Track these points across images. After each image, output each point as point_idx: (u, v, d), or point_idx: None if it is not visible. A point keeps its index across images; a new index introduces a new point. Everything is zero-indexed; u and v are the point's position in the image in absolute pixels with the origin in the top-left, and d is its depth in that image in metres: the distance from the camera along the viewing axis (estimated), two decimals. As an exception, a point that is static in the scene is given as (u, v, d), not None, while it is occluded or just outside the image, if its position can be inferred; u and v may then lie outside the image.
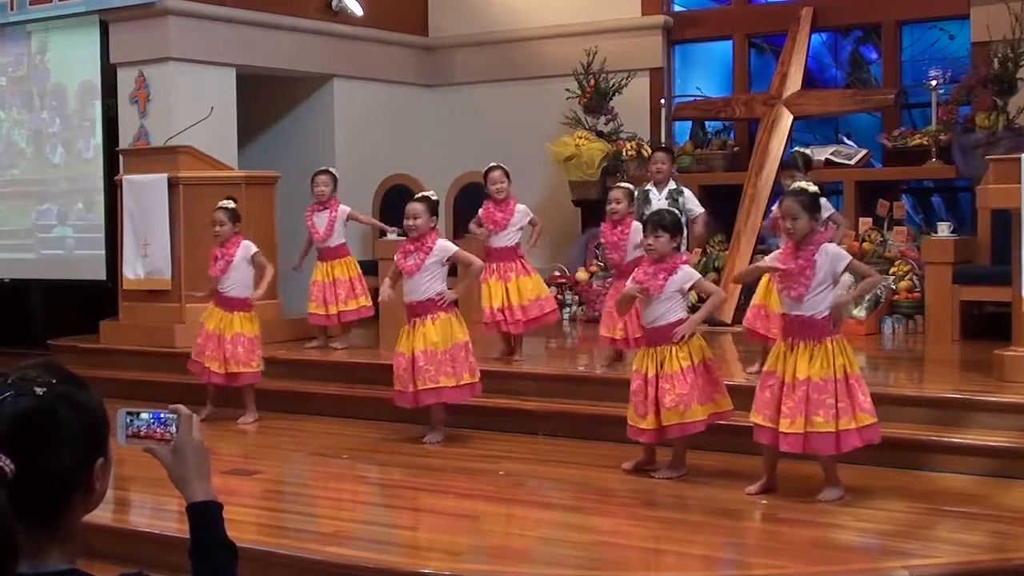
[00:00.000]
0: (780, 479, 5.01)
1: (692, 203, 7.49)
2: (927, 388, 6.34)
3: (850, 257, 4.98)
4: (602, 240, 6.85)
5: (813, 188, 4.93)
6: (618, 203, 6.76)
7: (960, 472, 5.26)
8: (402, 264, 6.16)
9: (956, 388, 6.03)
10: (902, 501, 4.86)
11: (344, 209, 8.08)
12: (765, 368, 4.98)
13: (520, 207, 7.47)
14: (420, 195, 6.31)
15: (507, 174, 7.51)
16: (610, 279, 7.08)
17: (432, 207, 6.20)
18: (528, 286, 7.29)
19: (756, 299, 6.57)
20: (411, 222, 6.13)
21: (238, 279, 6.89)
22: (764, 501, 4.89)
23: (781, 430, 4.78)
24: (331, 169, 8.24)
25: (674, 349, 5.17)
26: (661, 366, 5.17)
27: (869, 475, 5.22)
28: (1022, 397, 5.59)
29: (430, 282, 6.12)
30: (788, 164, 6.66)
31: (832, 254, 4.86)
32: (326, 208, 8.05)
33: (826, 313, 4.83)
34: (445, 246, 6.20)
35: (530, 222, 7.50)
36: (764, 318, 6.34)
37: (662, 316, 5.22)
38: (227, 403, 7.06)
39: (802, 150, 7.25)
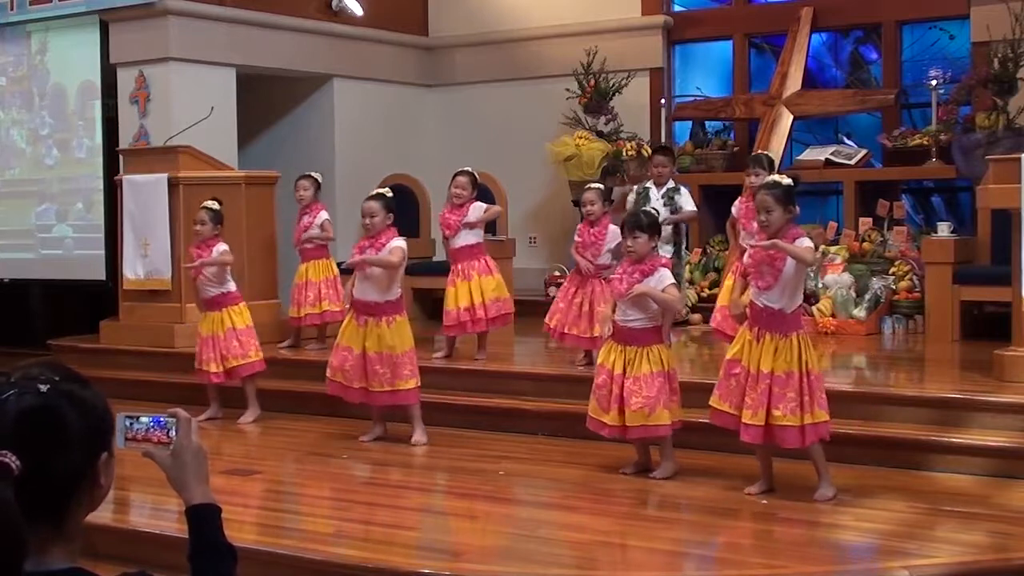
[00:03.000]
0: (779, 479, 5.01)
1: (685, 199, 7.53)
2: (927, 388, 6.34)
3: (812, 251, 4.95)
4: (577, 239, 6.88)
5: (787, 181, 4.91)
6: (592, 204, 6.79)
7: (960, 472, 5.26)
8: (357, 263, 6.18)
9: (956, 388, 6.03)
10: (902, 501, 4.86)
11: (322, 216, 8.09)
12: (729, 356, 4.98)
13: (475, 205, 7.40)
14: (376, 192, 6.28)
15: (474, 182, 7.42)
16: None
17: (388, 204, 6.18)
18: (491, 285, 7.28)
19: (722, 300, 6.61)
20: (367, 221, 6.12)
21: (212, 279, 6.90)
22: (764, 501, 4.89)
23: (743, 420, 4.81)
24: (313, 174, 8.24)
25: (645, 351, 5.18)
26: (629, 365, 5.18)
27: (869, 475, 5.23)
28: (1022, 397, 5.59)
29: (386, 280, 6.10)
30: (753, 162, 6.69)
31: (811, 248, 4.86)
32: (307, 213, 8.08)
33: (796, 307, 4.84)
34: (392, 245, 6.12)
35: (484, 211, 7.42)
36: (732, 318, 6.39)
37: (635, 318, 5.22)
38: (229, 403, 7.06)
39: (767, 152, 7.34)
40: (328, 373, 6.28)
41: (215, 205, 6.97)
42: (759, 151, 7.63)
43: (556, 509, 5.08)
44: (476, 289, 7.22)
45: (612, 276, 5.43)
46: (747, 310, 4.93)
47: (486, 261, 7.36)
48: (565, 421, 6.33)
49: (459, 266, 7.27)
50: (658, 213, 5.88)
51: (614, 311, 5.32)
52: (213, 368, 6.84)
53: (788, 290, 4.82)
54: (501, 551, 4.38)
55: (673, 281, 5.32)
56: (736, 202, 6.91)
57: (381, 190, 6.37)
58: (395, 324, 6.12)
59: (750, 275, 4.97)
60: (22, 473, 1.69)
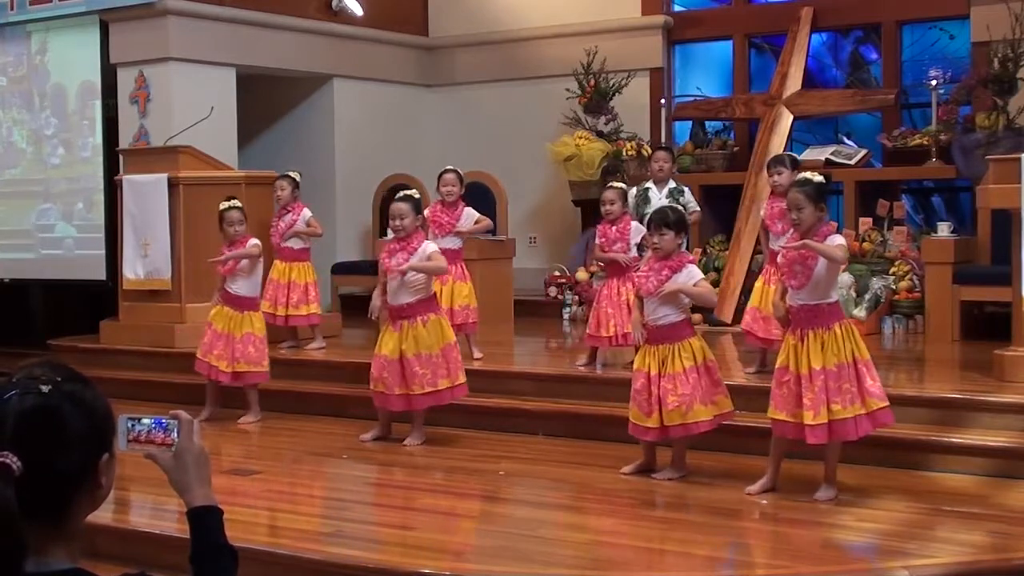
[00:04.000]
0: (780, 479, 5.01)
1: (692, 201, 7.52)
2: (927, 388, 6.34)
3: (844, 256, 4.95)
4: (600, 240, 6.86)
5: (818, 178, 4.92)
6: (612, 204, 6.80)
7: (960, 472, 5.26)
8: (387, 264, 6.11)
9: (956, 388, 6.03)
10: (902, 501, 4.86)
11: (306, 213, 8.06)
12: (778, 364, 4.95)
13: (468, 211, 7.46)
14: (404, 194, 6.20)
15: (461, 179, 7.50)
16: (603, 279, 7.12)
17: (417, 206, 6.14)
18: (463, 292, 7.31)
19: (752, 302, 6.61)
20: (398, 222, 6.06)
21: (245, 277, 6.89)
22: (764, 501, 4.89)
23: (806, 423, 4.74)
24: (291, 173, 8.21)
25: (677, 348, 5.16)
26: (663, 365, 5.16)
27: (869, 475, 5.23)
28: (1022, 397, 5.59)
29: (417, 283, 6.05)
30: (775, 162, 6.69)
31: (842, 246, 4.85)
32: (289, 211, 8.06)
33: (833, 299, 4.83)
34: (425, 248, 6.08)
35: (475, 221, 7.48)
36: (761, 320, 6.37)
37: (665, 315, 5.21)
38: (228, 403, 7.06)
39: (790, 153, 7.33)
40: (371, 385, 6.16)
41: (240, 203, 6.96)
42: (784, 153, 7.61)
43: (556, 509, 5.08)
44: (447, 293, 7.21)
45: (639, 274, 5.41)
46: (788, 314, 4.94)
47: (462, 267, 7.40)
48: (565, 421, 6.34)
49: None
50: None
51: (642, 312, 5.30)
52: (223, 366, 6.80)
53: (821, 287, 4.83)
54: (501, 551, 4.38)
55: (703, 276, 5.31)
56: (764, 204, 6.89)
57: (410, 192, 6.30)
58: (430, 322, 6.05)
59: (783, 276, 4.97)
60: (23, 473, 1.70)
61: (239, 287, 6.87)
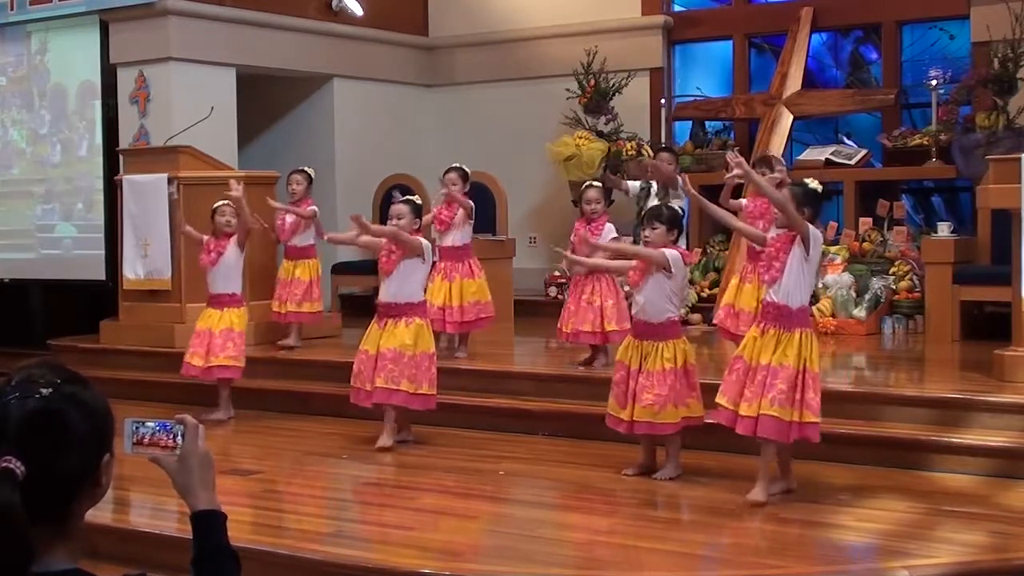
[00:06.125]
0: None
1: (681, 199, 7.55)
2: (927, 388, 6.34)
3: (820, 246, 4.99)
4: (572, 239, 6.88)
5: (812, 185, 4.95)
6: (597, 203, 6.87)
7: (960, 472, 5.26)
8: (381, 264, 6.16)
9: (956, 388, 6.03)
10: (902, 501, 4.86)
11: (313, 210, 8.05)
12: (736, 352, 5.04)
13: (461, 211, 7.44)
14: (407, 198, 6.27)
15: (464, 177, 7.44)
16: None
17: (417, 210, 6.17)
18: (471, 288, 7.31)
19: (726, 298, 6.69)
20: (395, 222, 6.12)
21: (225, 274, 6.91)
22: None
23: (740, 412, 4.82)
24: (306, 168, 8.21)
25: (660, 347, 5.19)
26: (644, 361, 5.19)
27: (869, 475, 5.24)
28: (1022, 397, 5.59)
29: (407, 281, 6.09)
30: (760, 163, 6.73)
31: (815, 238, 4.86)
32: (298, 207, 8.05)
33: (802, 304, 4.87)
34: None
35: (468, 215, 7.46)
36: (734, 316, 6.47)
37: (653, 308, 5.22)
38: (237, 404, 7.06)
39: (770, 154, 7.34)
40: (351, 380, 6.18)
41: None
42: (765, 152, 7.64)
43: (556, 509, 5.08)
44: (456, 290, 7.21)
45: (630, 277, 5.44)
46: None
47: (471, 264, 7.38)
48: (565, 421, 6.34)
49: (443, 265, 7.29)
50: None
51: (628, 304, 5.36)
52: (196, 361, 6.84)
53: (791, 283, 4.83)
54: (501, 551, 4.39)
55: (666, 254, 5.15)
56: (745, 202, 6.94)
57: (412, 197, 6.35)
58: (414, 325, 6.06)
59: (761, 269, 5.05)
60: (26, 477, 1.70)
61: (217, 284, 6.91)
